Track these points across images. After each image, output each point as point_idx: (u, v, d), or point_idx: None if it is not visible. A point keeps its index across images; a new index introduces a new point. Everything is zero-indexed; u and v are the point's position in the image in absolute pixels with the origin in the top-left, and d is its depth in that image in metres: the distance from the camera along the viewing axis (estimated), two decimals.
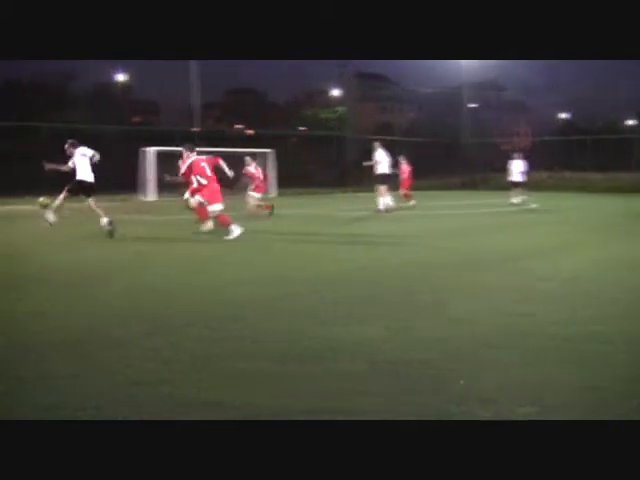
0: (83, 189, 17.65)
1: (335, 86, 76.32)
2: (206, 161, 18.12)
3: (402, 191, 31.71)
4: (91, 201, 17.71)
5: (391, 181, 28.25)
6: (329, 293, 9.38)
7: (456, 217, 24.99)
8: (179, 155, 28.87)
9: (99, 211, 17.36)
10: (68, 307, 8.70)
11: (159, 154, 38.94)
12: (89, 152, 17.77)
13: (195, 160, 18.06)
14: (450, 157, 58.20)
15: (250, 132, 58.58)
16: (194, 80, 49.88)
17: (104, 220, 17.13)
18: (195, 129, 48.84)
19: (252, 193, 25.21)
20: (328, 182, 47.64)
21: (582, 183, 46.40)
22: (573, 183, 45.82)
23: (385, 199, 26.59)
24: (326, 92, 78.26)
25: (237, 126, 65.20)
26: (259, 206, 24.87)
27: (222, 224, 17.25)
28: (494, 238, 17.21)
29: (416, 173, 50.12)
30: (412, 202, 30.35)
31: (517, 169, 30.89)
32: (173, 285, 10.35)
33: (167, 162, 37.67)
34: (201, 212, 18.62)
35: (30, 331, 7.34)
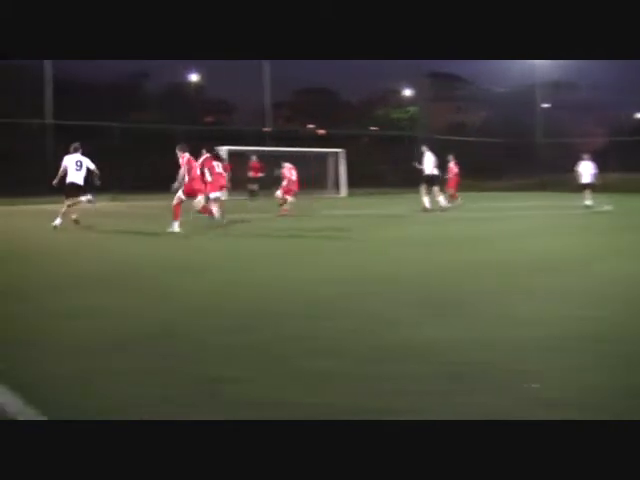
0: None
1: (407, 86, 75.94)
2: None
3: (449, 190, 32.21)
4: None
5: (439, 182, 29.63)
6: (401, 294, 9.30)
7: (526, 218, 24.57)
8: (249, 155, 29.29)
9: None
10: (155, 302, 8.87)
11: (230, 153, 39.21)
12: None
13: (206, 158, 21.00)
14: (523, 158, 57.47)
15: (321, 132, 58.66)
16: (266, 80, 50.09)
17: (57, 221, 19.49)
18: (267, 129, 49.05)
19: (280, 192, 26.80)
20: (399, 182, 47.42)
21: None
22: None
23: (439, 198, 28.27)
24: (398, 92, 77.91)
25: (309, 126, 65.32)
26: (283, 204, 26.48)
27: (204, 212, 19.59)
28: (563, 240, 16.86)
29: (488, 174, 49.68)
30: (458, 201, 31.34)
31: (587, 171, 30.15)
32: (252, 283, 10.37)
33: (239, 161, 38.01)
34: (205, 210, 20.17)
35: (125, 325, 7.47)
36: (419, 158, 28.89)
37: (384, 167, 46.12)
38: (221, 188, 21.77)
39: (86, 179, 20.74)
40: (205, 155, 21.47)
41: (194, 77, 66.91)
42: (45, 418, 4.63)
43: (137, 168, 40.61)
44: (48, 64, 40.45)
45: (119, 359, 6.17)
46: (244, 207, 29.82)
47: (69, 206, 20.24)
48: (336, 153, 42.87)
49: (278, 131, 54.46)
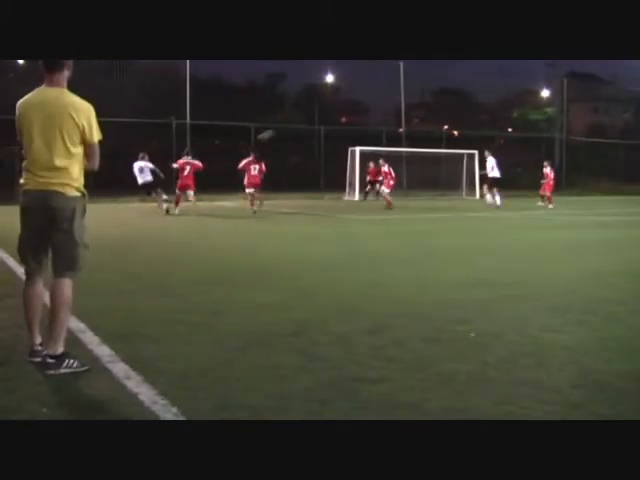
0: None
1: (545, 86, 74.53)
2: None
3: (545, 194, 33.37)
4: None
5: (500, 183, 31.48)
6: (549, 298, 9.09)
7: None
8: (379, 155, 30.58)
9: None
10: (299, 300, 8.96)
11: (364, 154, 39.33)
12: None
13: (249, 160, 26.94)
14: None
15: (455, 133, 58.16)
16: (402, 80, 49.95)
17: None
18: (401, 129, 48.93)
19: (384, 188, 31.29)
20: (534, 185, 46.57)
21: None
22: None
23: (495, 197, 30.40)
24: (535, 93, 76.57)
25: (444, 127, 64.92)
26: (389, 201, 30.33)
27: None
28: None
29: (629, 177, 48.12)
30: (551, 206, 31.90)
31: None
32: (395, 283, 10.32)
33: (373, 162, 38.06)
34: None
35: (261, 322, 7.60)
36: (482, 164, 31.20)
37: (519, 169, 45.21)
38: (254, 185, 27.05)
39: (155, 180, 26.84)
40: (249, 158, 27.09)
41: (330, 77, 67.42)
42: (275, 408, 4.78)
43: (274, 168, 41.18)
44: (187, 64, 41.39)
45: (261, 354, 6.26)
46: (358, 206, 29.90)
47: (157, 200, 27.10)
48: (470, 155, 42.35)
49: (412, 131, 54.22)
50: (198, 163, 26.81)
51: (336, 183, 40.12)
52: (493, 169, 30.95)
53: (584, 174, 51.17)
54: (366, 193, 38.49)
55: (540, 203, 33.41)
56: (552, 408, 4.87)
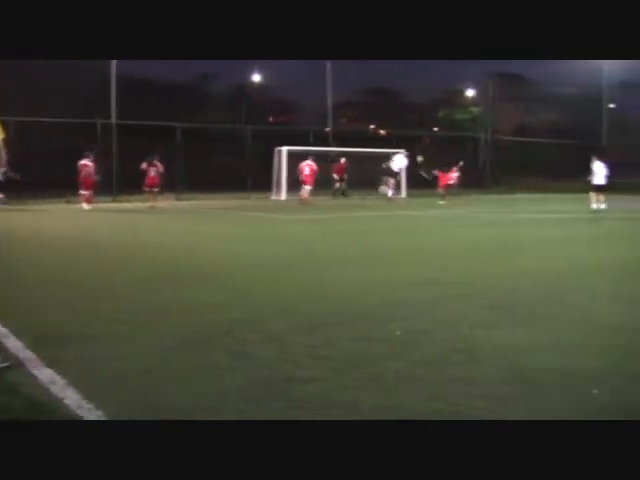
0: None
1: (471, 86, 75.35)
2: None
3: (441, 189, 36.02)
4: None
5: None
6: (484, 296, 9.19)
7: (602, 220, 24.07)
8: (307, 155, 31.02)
9: None
10: (234, 300, 8.93)
11: (292, 154, 39.31)
12: None
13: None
14: (590, 159, 56.56)
15: (383, 132, 58.45)
16: (329, 80, 50.03)
17: None
18: (328, 129, 49.02)
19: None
20: (463, 183, 47.14)
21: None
22: None
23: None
24: (462, 92, 77.39)
25: (370, 126, 65.21)
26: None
27: None
28: (629, 244, 16.46)
29: (555, 176, 48.97)
30: (442, 202, 33.87)
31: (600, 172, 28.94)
32: (331, 282, 10.34)
33: (300, 162, 38.06)
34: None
35: (197, 321, 7.59)
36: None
37: (446, 168, 45.64)
38: (153, 185, 30.92)
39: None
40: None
41: (257, 77, 67.22)
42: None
43: (201, 168, 40.84)
44: (113, 63, 40.82)
45: (196, 354, 6.25)
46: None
47: None
48: (398, 154, 42.60)
49: (340, 131, 54.33)
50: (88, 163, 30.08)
51: (263, 183, 40.01)
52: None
53: (510, 173, 51.88)
54: (336, 190, 40.12)
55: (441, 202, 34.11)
56: (481, 404, 4.92)
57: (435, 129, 71.41)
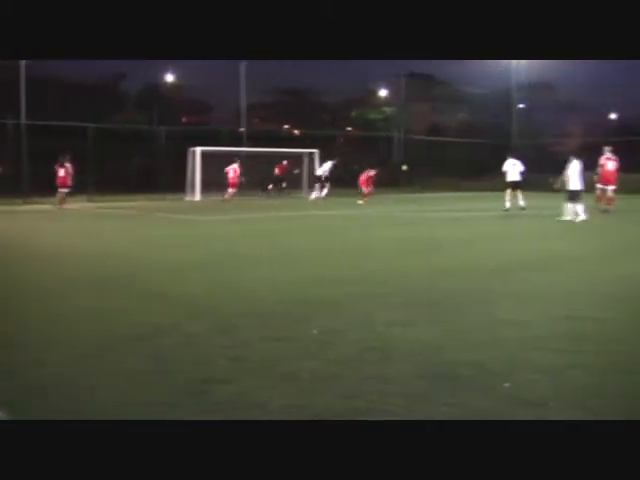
0: None
1: (384, 86, 75.96)
2: None
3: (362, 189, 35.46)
4: None
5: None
6: (395, 294, 9.30)
7: (507, 219, 24.53)
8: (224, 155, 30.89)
9: None
10: (147, 304, 8.83)
11: (206, 154, 39.08)
12: None
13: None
14: (501, 158, 57.61)
15: (297, 132, 58.53)
16: (243, 80, 49.89)
17: None
18: (242, 129, 48.88)
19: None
20: (374, 183, 47.47)
21: (636, 185, 45.51)
22: (626, 185, 44.95)
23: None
24: (375, 92, 77.95)
25: (284, 126, 65.27)
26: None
27: None
28: (548, 241, 16.86)
29: (467, 175, 49.75)
30: (361, 202, 34.03)
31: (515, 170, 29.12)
32: (243, 283, 10.34)
33: (214, 162, 37.84)
34: None
35: (110, 327, 7.46)
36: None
37: (359, 168, 45.94)
38: (64, 186, 31.03)
39: None
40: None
41: (170, 77, 66.63)
42: (128, 416, 4.68)
43: (113, 169, 40.34)
44: (23, 62, 39.96)
45: (109, 360, 6.18)
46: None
47: None
48: (311, 154, 42.77)
49: (254, 131, 54.22)
50: None
51: (178, 184, 39.61)
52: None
53: (422, 172, 52.46)
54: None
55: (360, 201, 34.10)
56: (397, 401, 4.99)
57: (349, 129, 71.81)
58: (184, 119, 70.27)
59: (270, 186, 41.36)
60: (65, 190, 31.17)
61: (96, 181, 37.68)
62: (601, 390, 5.31)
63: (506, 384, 5.40)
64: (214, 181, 38.80)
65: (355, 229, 20.42)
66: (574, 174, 22.54)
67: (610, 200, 26.55)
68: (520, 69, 60.47)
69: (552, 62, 67.33)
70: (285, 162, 42.24)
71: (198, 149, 39.40)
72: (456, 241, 16.50)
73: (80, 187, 34.32)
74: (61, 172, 31.13)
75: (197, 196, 38.51)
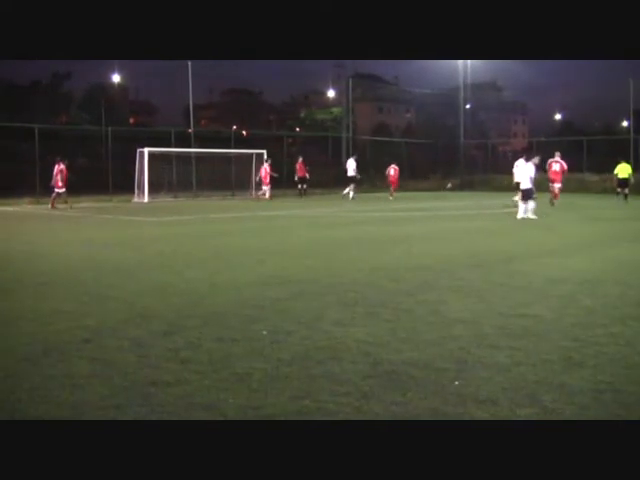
0: None
1: (332, 87, 76.31)
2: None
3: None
4: None
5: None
6: (340, 293, 9.34)
7: (455, 218, 24.75)
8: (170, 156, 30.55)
9: None
10: (89, 306, 8.68)
11: (154, 155, 38.77)
12: None
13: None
14: (448, 158, 58.07)
15: (244, 133, 58.41)
16: (190, 81, 49.65)
17: None
18: (190, 130, 48.62)
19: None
20: (323, 183, 47.52)
21: (579, 184, 46.25)
22: (570, 184, 45.60)
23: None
24: (323, 93, 78.22)
25: (233, 127, 65.13)
26: None
27: None
28: (495, 239, 17.04)
29: (414, 174, 50.05)
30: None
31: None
32: (188, 284, 10.27)
33: (162, 163, 37.60)
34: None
35: (52, 330, 7.32)
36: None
37: (308, 168, 46.05)
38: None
39: None
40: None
41: (117, 77, 66.17)
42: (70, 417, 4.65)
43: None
44: None
45: (52, 363, 6.06)
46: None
47: None
48: (259, 154, 42.68)
49: (202, 132, 54.00)
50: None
51: (125, 185, 39.19)
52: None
53: (370, 172, 52.64)
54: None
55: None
56: (345, 400, 4.99)
57: (297, 129, 71.88)
58: (131, 120, 69.82)
59: (301, 186, 41.33)
60: (60, 190, 31.29)
61: (41, 182, 37.16)
62: (551, 385, 5.36)
63: (456, 382, 5.43)
64: (162, 182, 38.54)
65: (301, 229, 20.39)
66: (525, 174, 23.05)
67: (556, 195, 29.94)
68: (467, 70, 60.94)
69: (498, 63, 68.10)
70: (300, 161, 42.11)
71: (146, 150, 39.06)
72: (401, 240, 16.54)
73: (25, 189, 33.91)
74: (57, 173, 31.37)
75: (145, 197, 38.18)
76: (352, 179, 38.86)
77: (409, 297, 9.02)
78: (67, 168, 32.00)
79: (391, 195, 39.33)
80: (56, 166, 31.62)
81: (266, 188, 37.37)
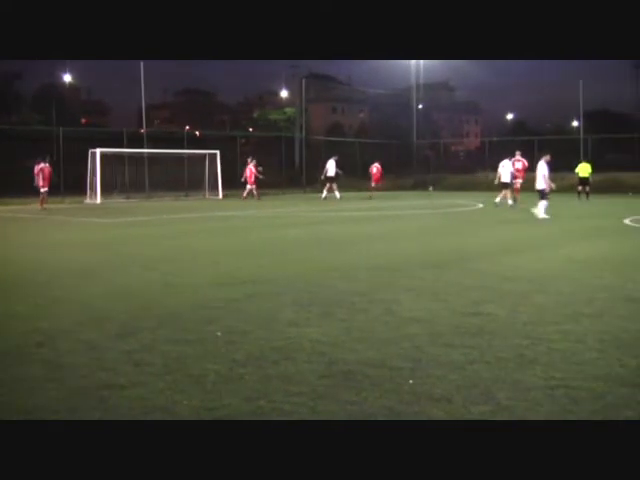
0: None
1: (286, 87, 76.30)
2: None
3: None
4: None
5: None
6: (295, 293, 9.34)
7: (411, 218, 24.92)
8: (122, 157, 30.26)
9: None
10: (42, 309, 8.57)
11: (106, 156, 38.46)
12: None
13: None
14: (402, 158, 58.38)
15: (198, 133, 58.18)
16: (143, 81, 49.32)
17: None
18: (143, 130, 48.32)
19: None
20: (276, 183, 47.51)
21: (531, 183, 46.69)
22: (522, 184, 45.99)
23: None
24: (277, 93, 78.18)
25: (186, 128, 64.85)
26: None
27: None
28: (449, 239, 17.16)
29: (365, 174, 50.30)
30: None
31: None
32: (142, 286, 10.20)
33: (114, 163, 37.35)
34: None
35: (6, 333, 7.27)
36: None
37: (261, 168, 45.99)
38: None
39: None
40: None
41: (68, 77, 65.54)
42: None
43: (7, 171, 39.22)
44: None
45: (4, 368, 6.01)
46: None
47: None
48: (213, 155, 42.54)
49: (155, 132, 53.73)
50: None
51: (77, 186, 38.78)
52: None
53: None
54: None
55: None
56: (300, 400, 5.00)
57: (250, 129, 71.77)
58: (83, 120, 69.19)
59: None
60: (43, 190, 31.48)
61: None
62: (505, 382, 5.41)
63: (410, 381, 5.46)
64: (115, 183, 38.28)
65: (256, 229, 20.34)
66: (539, 173, 23.86)
67: (517, 191, 31.59)
68: (419, 70, 61.33)
69: (450, 63, 68.69)
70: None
71: (98, 150, 38.73)
72: (357, 239, 16.60)
73: None
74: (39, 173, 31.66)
75: (97, 199, 37.85)
76: (332, 179, 38.55)
77: (364, 297, 9.04)
78: (51, 166, 32.36)
79: (371, 194, 39.76)
80: (36, 166, 31.72)
81: (251, 187, 37.29)
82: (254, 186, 37.07)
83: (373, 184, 41.49)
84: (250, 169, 37.34)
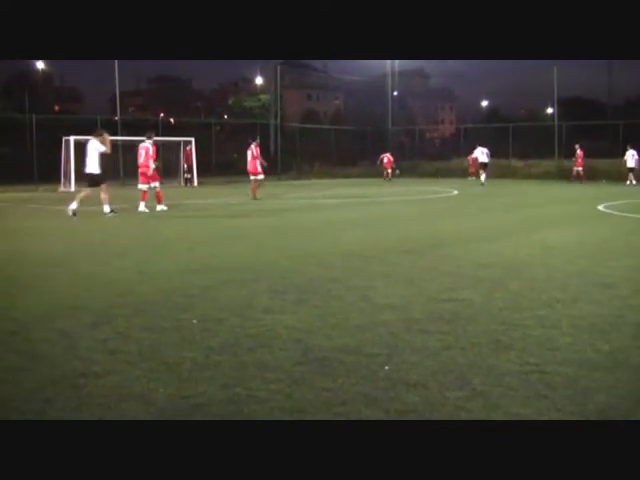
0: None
1: (261, 74, 76.01)
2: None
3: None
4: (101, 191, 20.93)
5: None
6: (270, 280, 9.34)
7: (385, 204, 24.95)
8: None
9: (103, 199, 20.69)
10: (16, 298, 8.48)
11: (80, 143, 38.17)
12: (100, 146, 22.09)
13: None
14: (376, 145, 58.41)
15: (172, 121, 57.95)
16: (117, 68, 48.98)
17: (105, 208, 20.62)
18: (117, 117, 48.02)
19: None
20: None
21: (504, 170, 47.03)
22: (496, 170, 46.25)
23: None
24: (252, 80, 77.91)
25: (160, 115, 64.55)
26: None
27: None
28: (424, 225, 17.23)
29: (342, 161, 50.29)
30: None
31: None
32: (115, 274, 10.11)
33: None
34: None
35: None
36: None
37: (236, 156, 45.76)
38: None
39: None
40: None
41: (41, 64, 64.94)
42: None
43: None
44: None
45: None
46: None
47: None
48: (187, 142, 42.37)
49: (129, 119, 53.42)
50: None
51: (51, 174, 38.52)
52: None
53: (299, 159, 52.72)
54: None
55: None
56: (276, 386, 5.00)
57: (225, 117, 71.54)
58: (56, 107, 68.69)
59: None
60: None
61: None
62: (480, 368, 5.45)
63: (386, 367, 5.48)
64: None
65: (231, 217, 20.29)
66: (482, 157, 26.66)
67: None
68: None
69: None
70: (189, 148, 42.38)
71: (72, 138, 38.43)
72: (332, 226, 16.62)
73: None
74: None
75: (72, 187, 37.58)
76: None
77: (339, 283, 9.05)
78: None
79: (387, 178, 45.24)
80: None
81: (256, 178, 31.33)
82: (262, 176, 28.73)
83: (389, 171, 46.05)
84: (253, 154, 29.40)
